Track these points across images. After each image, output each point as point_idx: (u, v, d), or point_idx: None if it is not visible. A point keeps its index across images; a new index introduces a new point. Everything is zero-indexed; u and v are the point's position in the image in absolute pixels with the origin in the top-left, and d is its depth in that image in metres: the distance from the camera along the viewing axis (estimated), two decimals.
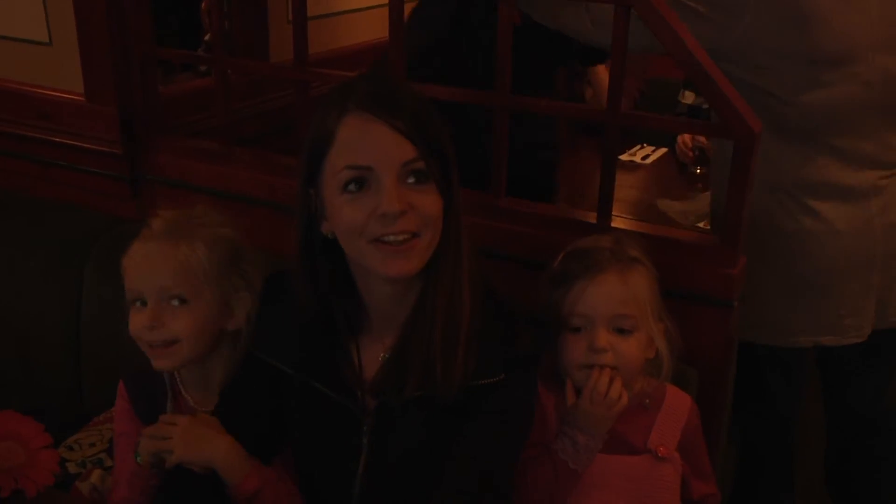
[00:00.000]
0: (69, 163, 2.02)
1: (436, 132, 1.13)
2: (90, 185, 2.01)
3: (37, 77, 2.03)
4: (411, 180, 1.11)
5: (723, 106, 1.38)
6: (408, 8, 1.68)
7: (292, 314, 1.25)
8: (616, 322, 1.25)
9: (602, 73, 3.05)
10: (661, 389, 1.35)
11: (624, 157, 2.92)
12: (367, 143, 1.10)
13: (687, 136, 2.80)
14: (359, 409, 1.23)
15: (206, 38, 3.54)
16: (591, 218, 1.56)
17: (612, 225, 1.55)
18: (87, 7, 1.88)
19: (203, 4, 3.80)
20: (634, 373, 1.30)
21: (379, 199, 1.10)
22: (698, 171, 2.80)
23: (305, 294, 1.22)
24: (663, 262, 1.47)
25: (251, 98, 2.28)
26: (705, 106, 2.88)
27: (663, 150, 3.00)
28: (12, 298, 1.98)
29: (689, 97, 2.95)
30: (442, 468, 1.18)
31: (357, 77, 1.21)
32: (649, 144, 3.06)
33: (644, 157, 2.96)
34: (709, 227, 2.01)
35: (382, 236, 1.12)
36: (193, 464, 1.21)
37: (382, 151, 1.10)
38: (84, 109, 1.97)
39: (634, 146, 3.04)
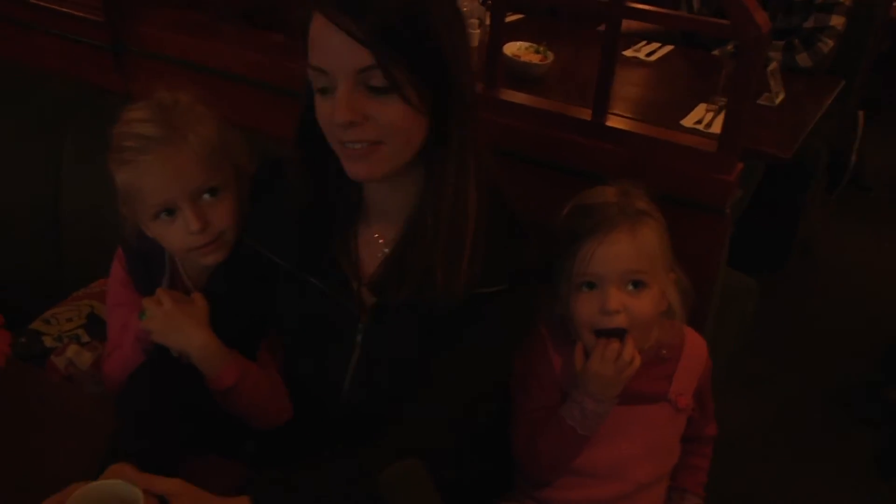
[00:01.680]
0: (47, 27, 1.94)
1: (412, 34, 1.02)
2: (72, 53, 1.94)
3: None
4: (370, 88, 1.03)
5: (731, 2, 1.31)
6: None
7: (288, 203, 1.20)
8: (628, 277, 1.21)
9: None
10: (678, 336, 1.31)
11: (627, 53, 2.82)
12: (325, 47, 1.03)
13: None
14: (355, 305, 1.20)
15: None
16: (586, 115, 1.51)
17: (608, 124, 1.50)
18: None
19: None
20: (648, 330, 1.26)
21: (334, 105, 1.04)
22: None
23: (302, 180, 1.17)
24: (658, 165, 1.44)
25: None
26: None
27: (670, 47, 2.91)
28: None
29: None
30: (432, 371, 1.16)
31: None
32: (656, 41, 2.96)
33: (649, 54, 2.86)
34: None
35: (343, 141, 1.07)
36: (169, 349, 1.20)
37: (336, 56, 1.02)
38: None
39: (640, 42, 2.94)
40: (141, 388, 1.18)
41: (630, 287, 1.21)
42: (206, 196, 1.27)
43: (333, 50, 1.02)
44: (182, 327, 1.19)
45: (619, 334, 1.20)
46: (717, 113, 2.34)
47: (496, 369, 1.21)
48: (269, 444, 1.31)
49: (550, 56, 2.57)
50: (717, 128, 2.21)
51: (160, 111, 1.27)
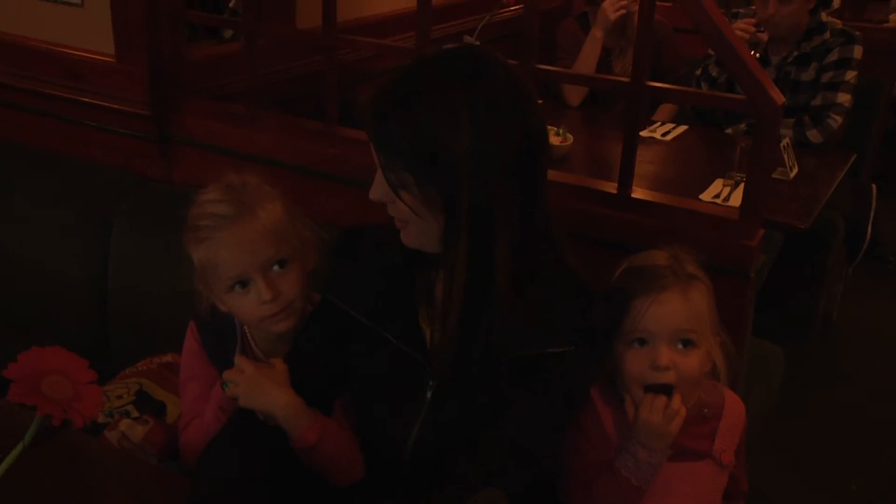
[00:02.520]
0: (97, 123, 2.06)
1: (410, 148, 1.14)
2: (119, 144, 2.05)
3: (68, 37, 2.06)
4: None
5: (747, 80, 1.40)
6: None
7: (369, 264, 1.32)
8: (678, 336, 1.26)
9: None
10: (718, 396, 1.36)
11: (644, 133, 2.92)
12: None
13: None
14: (426, 361, 1.27)
15: (231, 4, 3.56)
16: (612, 188, 1.58)
17: (633, 196, 1.57)
18: None
19: None
20: (693, 388, 1.30)
21: None
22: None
23: (396, 238, 1.27)
24: (683, 233, 1.50)
25: (275, 65, 2.31)
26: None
27: (684, 126, 3.01)
28: (40, 257, 2.03)
29: (711, 70, 2.96)
30: (497, 428, 1.21)
31: (380, 84, 1.23)
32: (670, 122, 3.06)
33: (664, 134, 2.96)
34: None
35: None
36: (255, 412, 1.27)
37: (372, 151, 1.20)
38: (113, 70, 2.00)
39: (655, 123, 3.04)
40: (225, 453, 1.24)
41: (679, 346, 1.26)
42: (276, 268, 1.36)
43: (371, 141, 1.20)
44: (266, 390, 1.26)
45: (666, 391, 1.25)
46: (733, 187, 2.41)
47: (559, 427, 1.26)
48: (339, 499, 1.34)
49: (570, 138, 2.67)
50: (734, 201, 2.28)
51: (231, 192, 1.37)
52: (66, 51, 2.06)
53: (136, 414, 1.59)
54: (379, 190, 1.21)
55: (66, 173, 2.07)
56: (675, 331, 1.26)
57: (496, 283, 1.19)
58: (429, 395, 1.27)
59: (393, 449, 1.30)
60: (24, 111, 2.15)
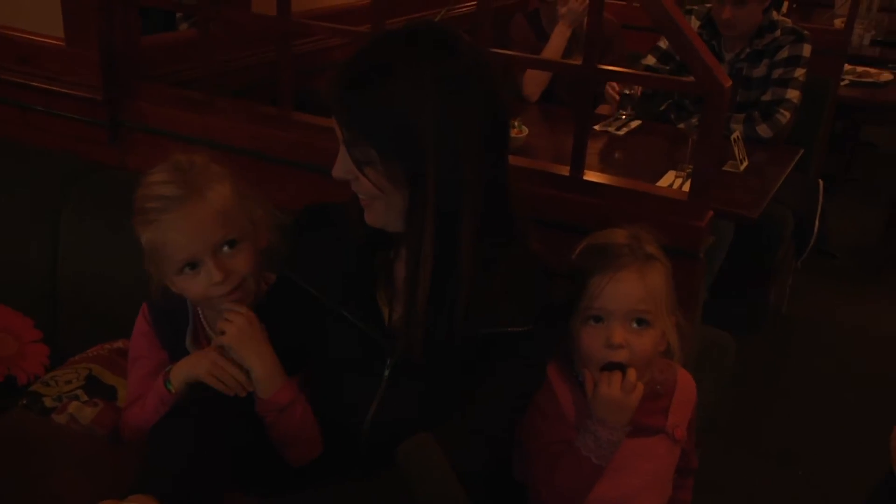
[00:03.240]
0: (48, 108, 2.03)
1: (376, 122, 1.14)
2: (69, 130, 2.02)
3: (16, 20, 2.03)
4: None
5: (694, 62, 1.43)
6: None
7: (330, 242, 1.31)
8: (633, 315, 1.27)
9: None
10: (671, 373, 1.38)
11: (598, 128, 2.96)
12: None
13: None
14: (385, 342, 1.27)
15: None
16: (565, 171, 1.60)
17: (585, 178, 1.59)
18: None
19: None
20: (646, 367, 1.31)
21: None
22: (622, 115, 3.00)
23: (358, 218, 1.26)
24: (634, 214, 1.52)
25: (232, 52, 2.30)
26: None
27: (638, 122, 3.05)
28: None
29: (648, 59, 3.06)
30: (456, 407, 1.21)
31: (354, 53, 1.22)
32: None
33: (618, 129, 3.00)
34: None
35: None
36: (236, 360, 1.26)
37: (336, 126, 1.19)
38: (64, 54, 1.97)
39: (608, 118, 3.08)
40: (180, 427, 1.21)
41: (634, 325, 1.27)
42: (226, 248, 1.34)
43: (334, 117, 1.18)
44: (256, 339, 1.26)
45: (620, 369, 1.26)
46: (685, 179, 2.46)
47: (519, 406, 1.27)
48: (293, 477, 1.33)
49: (525, 130, 2.69)
50: (686, 190, 2.32)
51: (178, 172, 1.35)
52: (15, 34, 2.03)
53: (85, 398, 1.57)
54: (342, 167, 1.19)
55: (15, 159, 2.04)
56: (630, 310, 1.27)
57: (461, 262, 1.18)
58: (386, 373, 1.27)
59: (350, 427, 1.29)
60: None
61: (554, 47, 3.20)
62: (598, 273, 1.27)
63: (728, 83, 1.43)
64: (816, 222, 3.25)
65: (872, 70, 4.17)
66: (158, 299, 1.42)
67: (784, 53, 2.93)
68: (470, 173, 1.16)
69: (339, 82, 1.16)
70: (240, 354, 1.26)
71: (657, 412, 1.35)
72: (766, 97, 2.93)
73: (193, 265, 1.34)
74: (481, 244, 1.20)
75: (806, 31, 2.97)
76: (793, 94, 2.92)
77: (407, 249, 1.21)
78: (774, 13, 2.97)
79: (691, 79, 1.46)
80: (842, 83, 3.78)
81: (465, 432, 1.20)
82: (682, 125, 3.06)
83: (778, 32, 2.93)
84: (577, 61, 1.57)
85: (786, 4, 4.37)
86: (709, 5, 3.00)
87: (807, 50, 2.92)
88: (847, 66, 3.90)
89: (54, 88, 2.00)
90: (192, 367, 1.28)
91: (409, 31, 1.21)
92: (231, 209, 1.35)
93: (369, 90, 1.14)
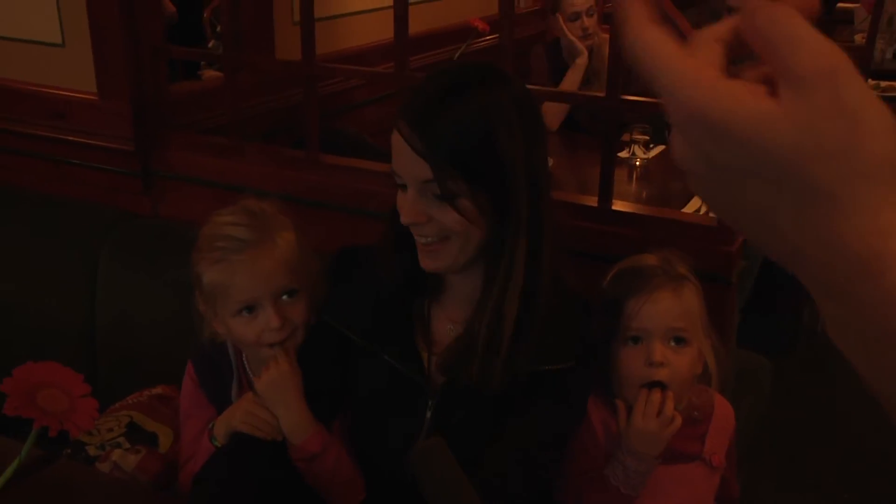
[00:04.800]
0: (82, 160, 2.08)
1: (473, 155, 1.12)
2: (103, 181, 2.07)
3: (50, 78, 2.09)
4: (433, 196, 1.15)
5: None
6: (412, 9, 1.73)
7: (366, 286, 1.31)
8: (671, 334, 1.28)
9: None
10: (708, 400, 1.37)
11: (622, 155, 2.96)
12: (397, 157, 1.17)
13: None
14: (426, 383, 1.27)
15: (210, 44, 3.61)
16: (593, 201, 1.61)
17: (613, 208, 1.60)
18: (100, 8, 1.94)
19: (206, 12, 3.87)
20: (685, 389, 1.31)
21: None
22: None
23: (390, 264, 1.27)
24: (664, 242, 1.52)
25: (256, 98, 2.34)
26: None
27: (660, 147, 3.05)
28: (27, 294, 2.03)
29: None
30: (498, 445, 1.22)
31: (411, 87, 1.24)
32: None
33: (644, 153, 3.00)
34: None
35: (415, 234, 1.20)
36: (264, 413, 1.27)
37: (405, 165, 1.15)
38: (97, 107, 2.02)
39: (632, 145, 3.08)
40: (219, 475, 1.23)
41: (672, 343, 1.28)
42: (285, 297, 1.36)
43: (404, 159, 1.15)
44: (287, 390, 1.27)
45: (661, 387, 1.25)
46: None
47: (557, 443, 1.27)
48: None
49: (550, 160, 2.70)
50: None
51: (250, 216, 1.38)
52: (49, 90, 2.08)
53: (127, 445, 1.59)
54: (414, 210, 1.17)
55: (51, 212, 2.08)
56: (668, 328, 1.27)
57: (540, 291, 1.18)
58: (428, 415, 1.27)
59: (395, 471, 1.29)
60: (8, 152, 2.16)
61: (571, 79, 3.22)
62: (634, 295, 1.28)
63: None
64: None
65: None
66: (204, 347, 1.43)
67: None
68: (548, 197, 1.18)
69: (419, 118, 1.13)
70: (268, 403, 1.27)
71: (694, 439, 1.34)
72: None
73: (251, 308, 1.36)
74: (527, 280, 1.19)
75: None
76: None
77: (487, 274, 1.19)
78: None
79: None
80: None
81: (508, 466, 1.20)
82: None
83: None
84: (599, 92, 1.58)
85: None
86: None
87: None
88: (871, 82, 3.88)
89: (88, 141, 2.05)
90: (229, 418, 1.30)
91: (465, 64, 1.23)
92: (295, 259, 1.37)
93: (453, 119, 1.12)
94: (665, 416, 1.24)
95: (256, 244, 1.34)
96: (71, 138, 2.06)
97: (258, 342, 1.36)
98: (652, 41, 0.43)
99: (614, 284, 1.33)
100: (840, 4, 5.61)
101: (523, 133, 1.14)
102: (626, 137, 2.97)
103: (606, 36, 3.17)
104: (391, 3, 1.69)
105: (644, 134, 2.89)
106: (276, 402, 1.27)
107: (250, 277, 1.34)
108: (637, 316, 1.27)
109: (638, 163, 2.88)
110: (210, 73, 3.18)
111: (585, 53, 3.22)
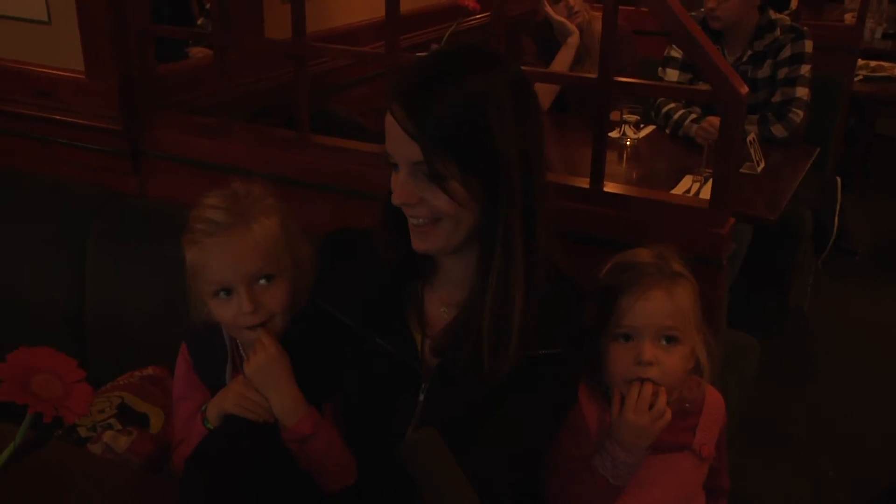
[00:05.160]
0: (69, 139, 2.06)
1: (464, 137, 1.11)
2: (90, 161, 2.05)
3: (36, 55, 2.06)
4: (424, 177, 1.15)
5: (710, 71, 1.43)
6: None
7: (358, 268, 1.30)
8: (662, 332, 1.28)
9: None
10: (700, 391, 1.38)
11: (613, 135, 2.96)
12: (391, 137, 1.16)
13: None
14: (419, 365, 1.27)
15: (199, 22, 3.57)
16: (584, 183, 1.61)
17: (605, 190, 1.60)
18: None
19: None
20: (677, 385, 1.32)
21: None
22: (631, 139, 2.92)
23: (386, 246, 1.26)
24: (655, 224, 1.53)
25: (244, 77, 2.32)
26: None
27: (651, 127, 3.05)
28: (15, 274, 2.01)
29: (670, 74, 3.01)
30: (488, 428, 1.22)
31: (404, 67, 1.22)
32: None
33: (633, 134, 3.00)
34: None
35: (407, 215, 1.20)
36: (256, 395, 1.27)
37: (397, 147, 1.15)
38: (83, 86, 2.00)
39: (623, 124, 3.08)
40: (214, 455, 1.23)
41: (663, 342, 1.28)
42: (262, 281, 1.37)
43: (395, 141, 1.14)
44: (279, 374, 1.27)
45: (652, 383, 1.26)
46: (703, 183, 2.46)
47: (549, 427, 1.27)
48: None
49: None
50: (704, 195, 2.32)
51: (231, 200, 1.38)
52: (35, 69, 2.06)
53: (119, 426, 1.59)
54: (406, 190, 1.16)
55: (38, 192, 2.07)
56: (659, 327, 1.28)
57: (535, 272, 1.18)
58: (421, 398, 1.28)
59: (386, 454, 1.29)
60: None
61: (562, 59, 3.21)
62: (627, 292, 1.29)
63: (745, 90, 1.43)
64: (836, 220, 3.23)
65: (886, 64, 4.16)
66: (198, 322, 1.44)
67: (787, 52, 2.92)
68: (543, 181, 1.18)
69: (408, 88, 1.13)
70: (258, 386, 1.28)
71: (685, 430, 1.35)
72: (777, 98, 2.92)
73: (228, 291, 1.37)
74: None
75: (805, 28, 2.96)
76: (802, 92, 2.91)
77: (480, 262, 1.18)
78: (772, 12, 2.96)
79: (707, 87, 1.47)
80: (856, 78, 3.76)
81: (493, 452, 1.21)
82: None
83: (777, 32, 2.93)
84: (591, 73, 1.57)
85: (795, 1, 4.36)
86: (703, 10, 2.99)
87: (808, 46, 2.91)
88: (860, 61, 3.89)
89: (75, 120, 2.03)
90: (221, 401, 1.31)
91: (457, 47, 1.22)
92: (273, 244, 1.37)
93: (445, 102, 1.10)
94: (657, 410, 1.25)
95: (230, 228, 1.36)
96: (57, 117, 2.04)
97: (234, 324, 1.38)
98: None
99: (609, 278, 1.33)
100: None
101: (516, 117, 1.13)
102: (615, 116, 2.96)
103: (596, 13, 3.16)
104: None
105: (634, 113, 2.89)
106: (266, 385, 1.27)
107: (222, 260, 1.36)
108: (629, 314, 1.28)
109: (628, 143, 2.87)
110: (198, 51, 3.15)
111: (576, 33, 3.21)
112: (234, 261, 1.35)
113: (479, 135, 1.11)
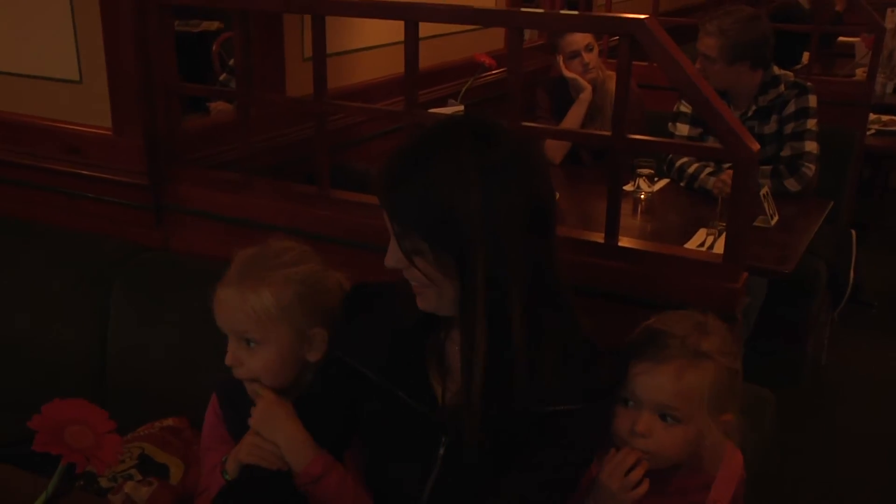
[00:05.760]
0: (96, 194, 2.11)
1: (423, 215, 1.17)
2: (116, 215, 2.10)
3: (67, 113, 2.13)
4: None
5: (723, 129, 1.47)
6: (422, 45, 1.77)
7: (380, 322, 1.34)
8: (661, 409, 1.28)
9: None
10: (721, 448, 1.34)
11: (627, 188, 2.99)
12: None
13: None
14: (439, 420, 1.29)
15: (222, 77, 3.66)
16: (599, 237, 1.64)
17: (620, 244, 1.62)
18: (116, 45, 1.98)
19: (215, 45, 3.93)
20: (670, 462, 1.31)
21: None
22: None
23: (409, 296, 1.29)
24: (670, 279, 1.55)
25: (264, 132, 2.37)
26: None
27: (664, 181, 3.08)
28: (40, 326, 2.05)
29: (681, 129, 3.05)
30: (507, 485, 1.24)
31: (393, 149, 1.26)
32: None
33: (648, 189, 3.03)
34: None
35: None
36: (263, 443, 1.31)
37: (384, 219, 1.23)
38: (111, 143, 2.06)
39: (637, 177, 3.11)
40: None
41: (663, 418, 1.28)
42: (250, 343, 1.42)
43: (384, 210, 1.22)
44: (278, 418, 1.32)
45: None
46: (717, 236, 2.47)
47: (566, 483, 1.28)
48: None
49: (556, 194, 2.73)
50: (718, 249, 2.34)
51: (255, 257, 1.44)
52: (66, 126, 2.12)
53: (139, 477, 1.60)
54: (393, 257, 1.23)
55: (64, 245, 2.11)
56: (658, 404, 1.28)
57: (513, 344, 1.21)
58: (441, 451, 1.29)
59: None
60: (25, 186, 2.20)
61: (574, 115, 3.26)
62: (640, 358, 1.29)
63: (756, 147, 1.47)
64: (851, 272, 3.24)
65: None
66: (230, 378, 1.47)
67: (791, 108, 2.95)
68: (516, 261, 1.19)
69: (386, 178, 1.20)
70: (264, 433, 1.31)
71: (701, 487, 1.33)
72: (786, 152, 2.95)
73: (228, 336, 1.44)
74: (530, 323, 1.22)
75: (809, 83, 3.00)
76: (811, 146, 2.94)
77: (462, 337, 1.23)
78: (776, 68, 3.00)
79: (719, 145, 1.50)
80: (868, 133, 3.80)
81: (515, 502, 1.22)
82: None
83: (782, 87, 2.96)
84: (603, 131, 1.61)
85: (807, 55, 4.42)
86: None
87: (813, 101, 2.95)
88: (872, 116, 3.92)
89: (102, 175, 2.08)
90: (237, 452, 1.34)
91: (447, 122, 1.25)
92: (264, 314, 1.40)
93: (414, 183, 1.17)
94: (630, 480, 1.26)
95: (232, 284, 1.42)
96: (85, 172, 2.10)
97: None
98: None
99: (636, 338, 1.33)
100: (841, 38, 5.68)
101: (484, 197, 1.15)
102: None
103: (610, 73, 3.22)
104: (397, 39, 1.72)
105: (648, 167, 2.93)
106: (271, 431, 1.31)
107: (220, 309, 1.43)
108: (633, 381, 1.28)
109: (643, 196, 2.91)
110: (218, 106, 3.22)
111: (589, 89, 3.26)
112: (226, 313, 1.42)
113: (444, 217, 1.16)
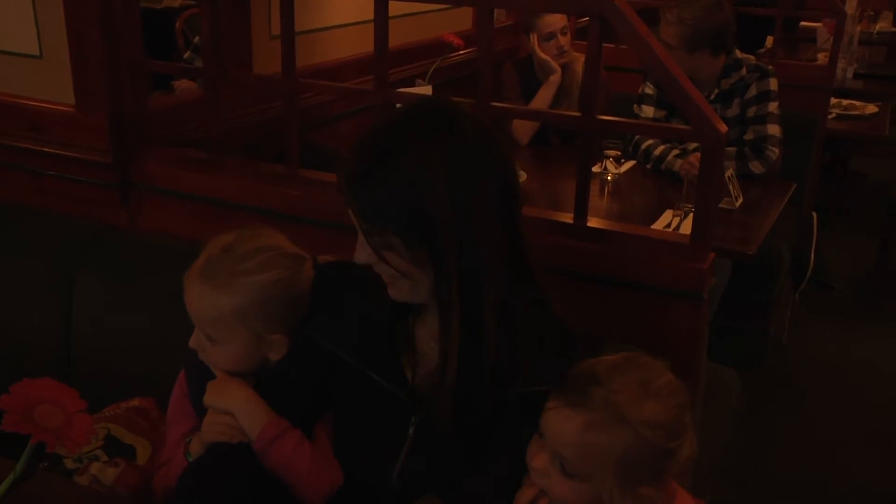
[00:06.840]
0: (59, 172, 2.07)
1: (392, 210, 1.15)
2: (80, 194, 2.06)
3: (27, 89, 2.08)
4: None
5: (691, 109, 1.48)
6: (391, 24, 1.75)
7: (352, 303, 1.33)
8: (559, 457, 1.17)
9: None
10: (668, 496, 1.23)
11: (595, 169, 3.01)
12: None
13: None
14: (410, 398, 1.29)
15: (186, 55, 3.61)
16: (568, 218, 1.65)
17: (589, 225, 1.64)
18: (79, 20, 1.94)
19: (178, 23, 3.87)
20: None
21: None
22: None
23: (380, 285, 1.28)
24: (639, 259, 1.57)
25: (233, 111, 2.35)
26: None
27: (631, 162, 3.11)
28: (3, 307, 2.01)
29: (646, 111, 3.07)
30: (479, 462, 1.25)
31: (354, 142, 1.25)
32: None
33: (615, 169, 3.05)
34: None
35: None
36: (216, 409, 1.33)
37: (350, 217, 1.22)
38: (74, 120, 2.02)
39: (604, 159, 3.14)
40: (199, 481, 1.26)
41: (559, 465, 1.18)
42: (207, 338, 1.39)
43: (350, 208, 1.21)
44: (228, 387, 1.34)
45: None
46: (683, 218, 2.50)
47: None
48: None
49: (524, 175, 2.74)
50: (685, 230, 2.36)
51: (222, 253, 1.38)
52: (26, 102, 2.08)
53: (105, 458, 1.59)
54: (363, 253, 1.22)
55: (28, 224, 2.07)
56: (556, 449, 1.18)
57: (487, 328, 1.21)
58: (411, 430, 1.30)
59: (377, 485, 1.32)
60: None
61: (543, 97, 3.27)
62: (559, 394, 1.18)
63: (724, 129, 1.48)
64: (812, 255, 3.30)
65: (857, 103, 4.27)
66: (195, 362, 1.46)
67: (752, 91, 2.99)
68: (488, 245, 1.19)
69: (347, 178, 1.19)
70: (218, 406, 1.32)
71: None
72: (749, 136, 2.99)
73: None
74: (505, 304, 1.23)
75: (770, 66, 3.04)
76: (774, 129, 2.98)
77: (439, 325, 1.23)
78: (738, 52, 3.03)
79: (687, 127, 1.52)
80: (829, 116, 3.86)
81: (486, 482, 1.23)
82: None
83: (743, 70, 3.00)
84: (572, 111, 1.62)
85: (770, 39, 4.48)
86: None
87: (773, 84, 2.98)
88: (833, 100, 3.98)
89: (65, 153, 2.04)
90: (200, 435, 1.35)
91: (411, 111, 1.23)
92: (222, 320, 1.36)
93: (377, 179, 1.16)
94: None
95: (195, 278, 1.37)
96: (48, 150, 2.06)
97: None
98: None
99: (575, 370, 1.22)
100: (803, 23, 5.75)
101: (454, 186, 1.15)
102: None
103: (578, 55, 3.23)
104: (366, 17, 1.71)
105: (615, 148, 2.95)
106: (224, 402, 1.32)
107: (184, 295, 1.40)
108: (544, 414, 1.19)
109: (610, 177, 2.93)
110: (183, 84, 3.18)
111: (559, 71, 3.27)
112: (189, 304, 1.40)
113: (414, 209, 1.15)
